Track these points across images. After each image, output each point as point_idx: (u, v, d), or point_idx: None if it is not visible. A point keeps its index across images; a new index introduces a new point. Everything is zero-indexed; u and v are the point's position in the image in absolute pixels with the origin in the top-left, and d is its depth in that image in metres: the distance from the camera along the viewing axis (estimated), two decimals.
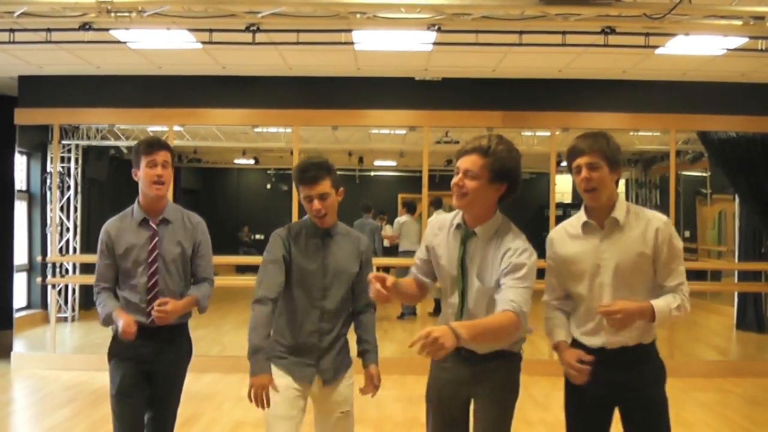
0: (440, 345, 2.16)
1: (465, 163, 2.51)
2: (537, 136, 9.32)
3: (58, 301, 8.46)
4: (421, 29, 5.15)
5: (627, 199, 12.62)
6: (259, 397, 2.64)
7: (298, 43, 5.38)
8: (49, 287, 7.29)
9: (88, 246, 9.06)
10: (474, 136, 2.57)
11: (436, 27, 5.00)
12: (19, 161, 8.23)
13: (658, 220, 2.61)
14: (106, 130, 9.23)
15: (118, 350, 3.14)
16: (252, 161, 13.39)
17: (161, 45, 5.83)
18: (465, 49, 5.64)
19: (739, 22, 4.75)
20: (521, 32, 5.16)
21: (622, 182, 12.79)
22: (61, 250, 8.47)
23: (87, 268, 8.81)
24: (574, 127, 6.85)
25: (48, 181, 7.59)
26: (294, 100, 7.06)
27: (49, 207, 7.49)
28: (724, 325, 9.19)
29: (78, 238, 9.11)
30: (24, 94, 7.07)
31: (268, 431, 2.81)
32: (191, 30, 5.38)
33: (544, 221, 7.79)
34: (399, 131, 9.49)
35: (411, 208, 10.02)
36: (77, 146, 9.24)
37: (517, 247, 2.49)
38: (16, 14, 4.70)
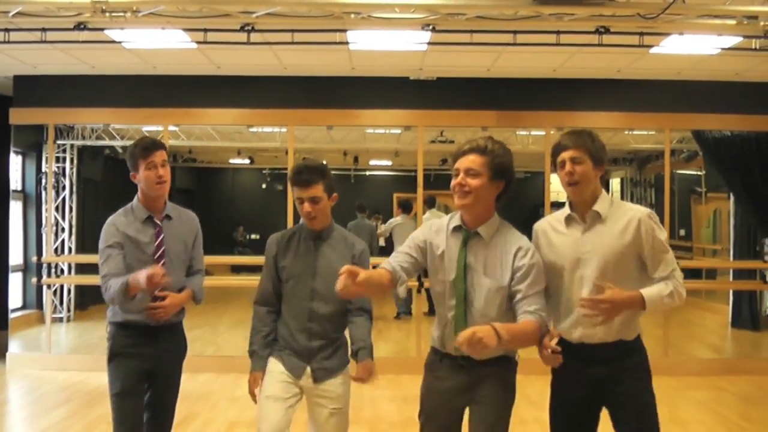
0: (484, 345, 2.25)
1: (465, 162, 2.56)
2: (532, 136, 9.34)
3: (53, 301, 8.45)
4: (416, 29, 5.15)
5: (622, 197, 12.69)
6: (251, 390, 3.00)
7: (292, 42, 5.38)
8: (45, 287, 7.27)
9: (83, 246, 9.07)
10: (467, 139, 2.63)
11: (431, 27, 5.00)
12: (14, 161, 8.22)
13: (640, 212, 2.63)
14: (101, 130, 9.22)
15: (119, 350, 3.12)
16: (247, 161, 13.38)
17: (156, 45, 5.82)
18: (459, 48, 5.65)
19: (732, 22, 4.77)
20: (515, 32, 5.16)
21: (617, 181, 12.83)
22: (56, 250, 8.46)
23: (82, 269, 8.82)
24: (569, 126, 6.83)
25: (43, 181, 7.57)
26: (289, 99, 7.06)
27: (44, 207, 7.48)
28: (718, 323, 9.22)
29: (73, 238, 9.10)
30: (19, 93, 7.05)
31: (258, 411, 2.93)
32: (186, 30, 5.37)
33: (539, 220, 7.79)
34: (394, 131, 9.50)
35: (407, 207, 9.98)
36: (72, 146, 9.24)
37: (527, 247, 2.60)
38: (11, 14, 4.69)
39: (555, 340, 2.62)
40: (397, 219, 10.06)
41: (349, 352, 3.05)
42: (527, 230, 2.78)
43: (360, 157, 12.99)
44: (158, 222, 3.19)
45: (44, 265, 7.23)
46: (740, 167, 7.48)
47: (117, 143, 9.52)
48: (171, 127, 7.69)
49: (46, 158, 7.64)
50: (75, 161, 9.28)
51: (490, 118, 6.97)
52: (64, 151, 9.09)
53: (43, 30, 5.21)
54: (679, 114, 7.01)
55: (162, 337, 3.18)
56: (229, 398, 5.87)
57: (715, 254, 11.00)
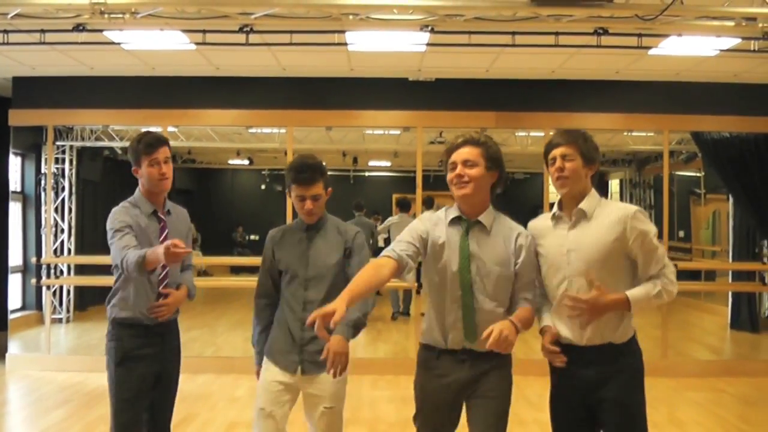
0: (511, 342, 2.40)
1: (461, 155, 2.62)
2: (531, 137, 9.35)
3: (52, 302, 8.43)
4: (414, 30, 5.16)
5: (621, 199, 12.64)
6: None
7: (291, 44, 5.39)
8: (44, 288, 7.27)
9: (82, 247, 9.05)
10: (456, 135, 2.70)
11: (429, 28, 5.01)
12: (14, 162, 8.23)
13: (627, 209, 2.60)
14: (100, 131, 9.23)
15: (130, 353, 3.07)
16: (246, 162, 13.39)
17: (155, 46, 5.83)
18: (458, 49, 5.65)
19: (731, 23, 4.77)
20: (514, 33, 5.17)
21: (616, 182, 12.84)
22: (55, 251, 8.45)
23: (82, 270, 8.81)
24: (568, 127, 6.84)
25: (42, 182, 7.56)
26: (288, 100, 7.07)
27: (43, 208, 7.48)
28: (717, 325, 9.22)
29: (73, 239, 9.08)
30: (18, 95, 7.06)
31: (254, 421, 3.00)
32: (185, 31, 5.38)
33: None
34: (393, 132, 9.51)
35: (405, 206, 9.92)
36: (71, 147, 9.23)
37: (525, 232, 2.70)
38: (9, 15, 4.69)
39: (548, 339, 2.63)
40: (395, 218, 10.01)
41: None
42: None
43: (359, 158, 13.00)
44: (162, 216, 3.20)
45: (43, 266, 7.23)
46: (739, 168, 7.48)
47: (116, 144, 9.52)
48: (170, 128, 7.69)
49: (46, 159, 7.64)
50: (74, 162, 9.27)
51: (489, 119, 6.98)
52: (64, 152, 9.09)
53: (42, 31, 5.22)
54: (678, 115, 7.02)
55: (166, 337, 3.19)
56: (228, 399, 5.88)
57: (714, 256, 11.00)
